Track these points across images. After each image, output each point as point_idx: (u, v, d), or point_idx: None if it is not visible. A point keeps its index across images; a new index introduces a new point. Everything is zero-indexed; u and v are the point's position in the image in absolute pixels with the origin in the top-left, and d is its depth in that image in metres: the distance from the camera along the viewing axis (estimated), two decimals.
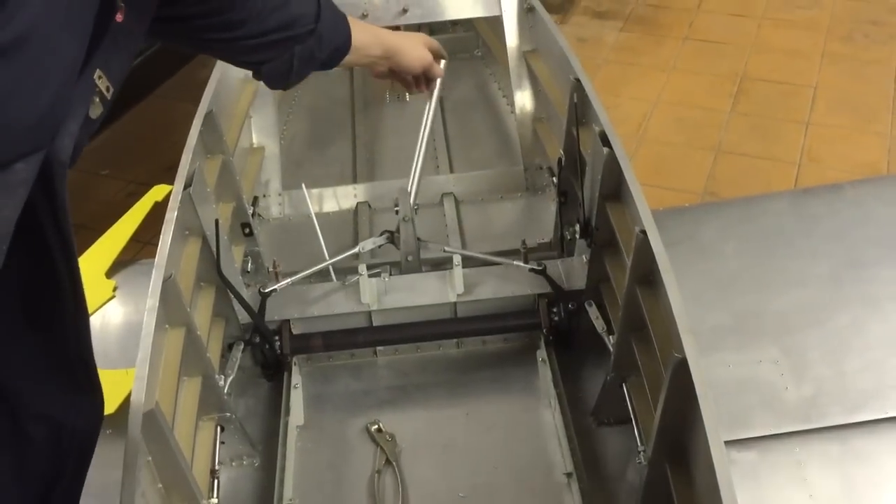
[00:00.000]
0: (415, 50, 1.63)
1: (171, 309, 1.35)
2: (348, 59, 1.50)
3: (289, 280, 1.70)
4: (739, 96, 3.32)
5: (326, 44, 1.41)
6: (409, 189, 1.75)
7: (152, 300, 1.30)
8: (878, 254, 1.67)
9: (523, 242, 1.81)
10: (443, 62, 1.71)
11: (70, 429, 1.14)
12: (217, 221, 1.56)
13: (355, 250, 1.75)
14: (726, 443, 1.43)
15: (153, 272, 1.35)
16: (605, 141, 1.53)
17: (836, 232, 1.73)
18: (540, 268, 1.70)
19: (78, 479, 1.21)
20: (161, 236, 1.42)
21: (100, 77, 0.94)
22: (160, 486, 1.21)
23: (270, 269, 1.80)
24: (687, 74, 3.48)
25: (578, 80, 1.70)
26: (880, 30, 3.62)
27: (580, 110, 1.70)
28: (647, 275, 1.36)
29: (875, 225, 1.74)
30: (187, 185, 1.50)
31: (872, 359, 1.54)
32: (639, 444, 1.41)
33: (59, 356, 1.12)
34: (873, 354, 1.54)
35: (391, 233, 1.79)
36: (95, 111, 0.94)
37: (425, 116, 1.74)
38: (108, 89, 0.96)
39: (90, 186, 3.08)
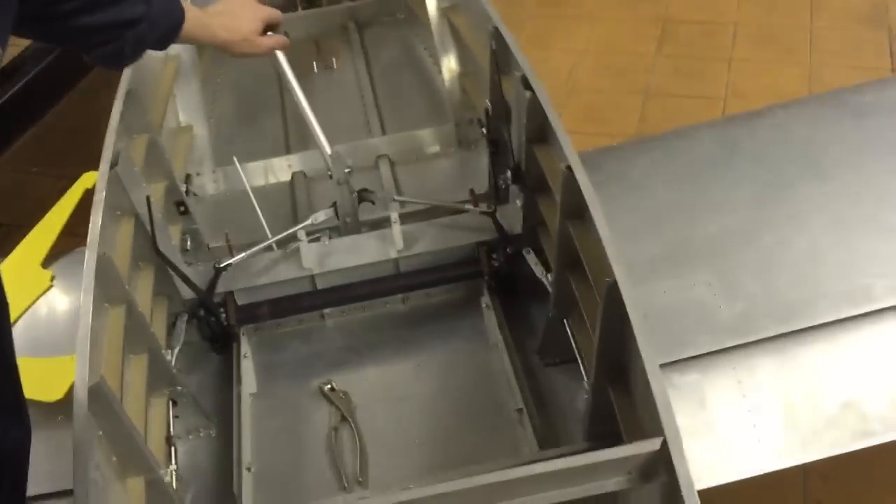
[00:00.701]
0: (246, 46, 1.64)
1: (109, 287, 1.35)
2: (180, 42, 1.53)
3: (244, 254, 1.70)
4: (663, 39, 3.37)
5: (157, 29, 1.42)
6: (326, 151, 1.76)
7: (87, 279, 1.29)
8: (798, 172, 1.73)
9: (471, 191, 1.83)
10: (279, 54, 1.77)
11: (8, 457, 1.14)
12: (148, 199, 1.55)
13: (309, 221, 1.74)
14: (668, 364, 1.51)
15: (86, 252, 1.34)
16: (527, 85, 1.56)
17: (757, 155, 1.78)
18: (490, 210, 1.72)
19: (16, 492, 1.21)
20: (91, 217, 1.41)
21: None
22: (114, 459, 1.22)
23: (224, 244, 1.79)
24: (611, 22, 3.52)
25: (497, 29, 1.71)
26: None
27: (501, 59, 1.72)
28: (576, 210, 1.39)
29: (793, 145, 1.80)
30: (113, 165, 1.49)
31: (800, 272, 1.59)
32: (584, 375, 1.45)
33: None
34: (801, 267, 1.60)
35: (334, 203, 1.80)
36: None
37: (288, 81, 1.82)
38: None
39: (21, 185, 3.03)
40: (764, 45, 3.26)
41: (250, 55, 1.66)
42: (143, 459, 1.26)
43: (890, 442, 1.53)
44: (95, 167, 1.96)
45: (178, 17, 1.46)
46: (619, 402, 1.27)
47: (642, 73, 3.20)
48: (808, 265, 1.60)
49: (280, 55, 1.77)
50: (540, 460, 1.03)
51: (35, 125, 3.32)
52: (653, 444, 1.02)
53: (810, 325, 1.54)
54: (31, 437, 1.21)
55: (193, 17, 1.51)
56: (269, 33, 1.68)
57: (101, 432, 1.19)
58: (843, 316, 1.54)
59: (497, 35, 1.70)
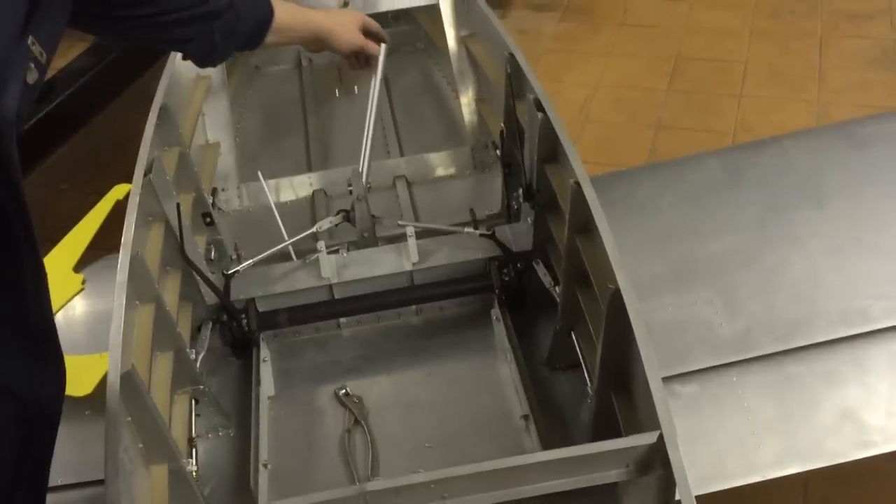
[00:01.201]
0: (345, 34, 1.70)
1: (140, 285, 1.43)
2: (274, 38, 1.57)
3: (251, 261, 1.79)
4: (675, 75, 3.47)
5: (245, 20, 1.47)
6: (360, 169, 1.85)
7: (121, 276, 1.37)
8: (798, 197, 1.80)
9: (471, 211, 1.91)
10: (383, 46, 1.81)
11: (34, 402, 1.19)
12: (178, 206, 1.64)
13: (313, 230, 1.84)
14: (669, 378, 1.57)
15: (120, 251, 1.43)
16: (540, 107, 1.64)
17: (760, 181, 1.86)
18: (489, 233, 1.80)
19: (45, 454, 1.25)
20: (126, 219, 1.50)
21: (34, 44, 1.03)
22: (140, 445, 1.29)
23: (233, 255, 1.88)
24: (624, 58, 3.62)
25: (512, 55, 1.81)
26: (804, 5, 3.80)
27: (515, 83, 1.81)
28: (584, 224, 1.46)
29: (795, 172, 1.87)
30: (147, 173, 1.58)
31: (798, 292, 1.66)
32: (588, 382, 1.51)
33: (20, 326, 1.17)
34: (799, 288, 1.67)
35: (347, 211, 1.88)
36: (32, 76, 1.01)
37: (371, 95, 1.83)
38: (41, 55, 1.04)
39: (50, 201, 3.13)
40: (773, 82, 3.34)
41: (346, 46, 1.69)
42: (168, 448, 1.33)
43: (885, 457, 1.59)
44: (122, 183, 2.09)
45: (266, 9, 1.51)
46: (620, 406, 1.33)
47: (654, 107, 3.29)
48: (806, 286, 1.67)
49: (380, 71, 1.82)
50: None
51: (66, 143, 3.43)
52: (650, 438, 1.08)
53: (808, 343, 1.60)
54: (63, 394, 1.26)
55: (288, 8, 1.56)
56: None
57: (129, 418, 1.26)
58: (840, 335, 1.60)
59: (512, 60, 1.79)
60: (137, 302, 1.44)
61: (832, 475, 1.94)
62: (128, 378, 1.23)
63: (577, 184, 1.45)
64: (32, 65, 1.01)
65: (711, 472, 1.50)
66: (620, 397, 1.34)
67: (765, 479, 1.51)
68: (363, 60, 1.78)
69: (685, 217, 1.82)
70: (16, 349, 1.15)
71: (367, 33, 1.76)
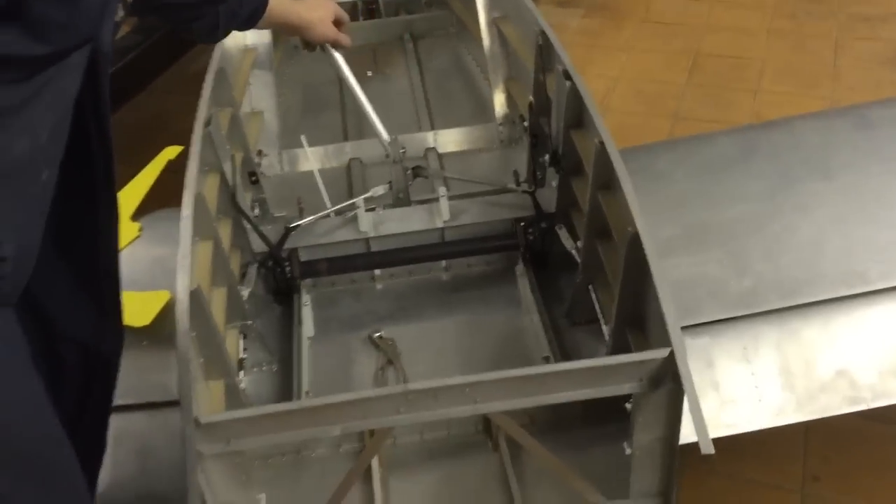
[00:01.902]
0: (321, 26, 1.93)
1: (201, 222, 1.57)
2: (264, 24, 1.81)
3: (311, 217, 1.93)
4: (694, 70, 3.60)
5: (246, 4, 1.69)
6: (381, 135, 1.99)
7: (186, 210, 1.52)
8: (807, 171, 1.92)
9: (515, 172, 2.04)
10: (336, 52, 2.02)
11: (95, 352, 1.31)
12: (233, 156, 1.78)
13: (369, 194, 1.97)
14: (683, 328, 1.69)
15: (184, 192, 1.57)
16: (568, 76, 1.78)
17: (771, 155, 1.98)
18: (531, 189, 1.94)
19: (105, 398, 1.37)
20: (188, 164, 1.64)
21: None
22: (202, 360, 1.43)
23: (296, 207, 2.01)
24: (645, 53, 3.75)
25: (543, 31, 1.94)
26: (821, 7, 3.92)
27: (546, 58, 1.95)
28: (607, 180, 1.60)
29: (805, 149, 1.99)
30: (206, 125, 1.73)
31: (804, 255, 1.78)
32: (605, 333, 1.64)
33: (90, 273, 1.26)
34: (804, 251, 1.79)
35: (390, 182, 2.02)
36: (119, 14, 1.13)
37: (344, 75, 2.06)
38: None
39: None
40: (789, 79, 3.47)
41: (320, 38, 1.95)
42: (224, 364, 1.48)
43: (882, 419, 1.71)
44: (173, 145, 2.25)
45: None
46: (635, 341, 1.46)
47: (672, 99, 3.42)
48: (810, 250, 1.79)
49: (338, 56, 2.03)
50: None
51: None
52: (661, 353, 1.21)
53: (810, 301, 1.72)
54: (122, 349, 1.38)
55: (278, 1, 1.80)
56: None
57: (194, 333, 1.40)
58: (840, 294, 1.72)
59: (543, 36, 1.93)
60: (198, 237, 1.58)
61: (832, 435, 2.08)
62: (195, 296, 1.37)
63: (602, 143, 1.58)
64: (120, 4, 1.16)
65: (716, 419, 1.62)
66: (635, 335, 1.48)
67: (764, 427, 1.63)
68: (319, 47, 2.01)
69: (700, 187, 1.95)
70: (83, 298, 1.28)
71: (338, 24, 1.98)
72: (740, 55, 3.66)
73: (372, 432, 1.50)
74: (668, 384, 1.23)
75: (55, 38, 0.97)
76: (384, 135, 2.01)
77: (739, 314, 1.72)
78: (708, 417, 1.59)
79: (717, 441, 1.99)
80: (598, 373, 1.22)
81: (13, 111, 0.97)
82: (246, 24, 1.76)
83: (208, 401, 1.42)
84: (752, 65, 3.59)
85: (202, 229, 1.58)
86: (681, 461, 2.05)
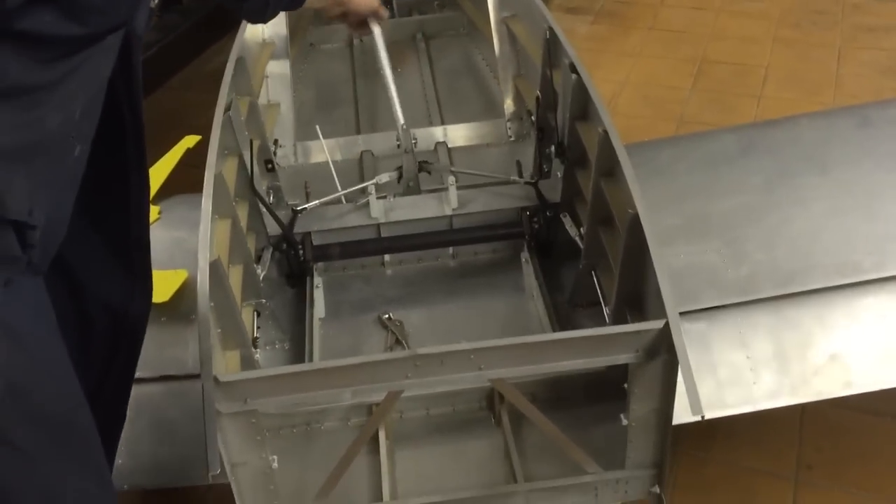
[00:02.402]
0: None
1: (221, 201, 1.64)
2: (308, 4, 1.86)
3: (317, 201, 2.00)
4: (699, 76, 3.66)
5: None
6: (400, 124, 2.06)
7: (207, 188, 1.59)
8: (804, 166, 1.99)
9: (518, 162, 2.11)
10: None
11: (124, 314, 1.38)
12: (251, 141, 1.86)
13: (374, 181, 2.04)
14: (680, 314, 1.75)
15: (205, 173, 1.64)
16: (574, 70, 1.85)
17: (770, 151, 2.05)
18: (533, 180, 2.01)
19: (131, 358, 1.44)
20: (209, 147, 1.71)
21: None
22: (219, 330, 1.50)
23: (303, 189, 2.08)
24: (652, 59, 3.82)
25: (551, 28, 2.02)
26: (826, 18, 3.99)
27: (553, 53, 2.02)
28: (609, 167, 1.67)
29: (803, 145, 2.06)
30: (226, 110, 1.80)
31: (799, 245, 1.84)
32: (606, 315, 1.71)
33: (121, 241, 1.33)
34: (800, 242, 1.85)
35: (399, 168, 2.09)
36: (153, 1, 1.20)
37: (381, 59, 2.13)
38: None
39: None
40: (792, 86, 3.53)
41: (364, 8, 2.03)
42: (241, 336, 1.54)
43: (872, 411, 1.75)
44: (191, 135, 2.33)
45: None
46: (633, 319, 1.53)
47: (677, 104, 3.49)
48: (806, 241, 1.85)
49: (377, 32, 2.11)
50: None
51: None
52: (657, 325, 1.28)
53: (805, 289, 1.78)
54: (149, 309, 1.46)
55: None
56: None
57: (212, 303, 1.46)
58: (833, 284, 1.78)
59: (551, 32, 2.00)
60: (217, 216, 1.65)
61: (826, 426, 2.13)
62: (214, 267, 1.44)
63: (605, 132, 1.65)
64: None
65: (712, 401, 1.67)
66: (634, 314, 1.54)
67: (758, 409, 1.69)
68: (361, 25, 2.09)
69: (700, 180, 2.01)
70: (114, 264, 1.35)
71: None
72: (745, 62, 3.73)
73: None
74: (663, 355, 1.29)
75: (92, 20, 1.03)
76: (401, 118, 2.08)
77: (736, 301, 1.78)
78: (704, 399, 1.65)
79: (714, 429, 2.07)
80: (597, 342, 1.29)
81: (49, 88, 1.02)
82: (293, 4, 1.83)
83: (225, 369, 1.49)
84: (756, 72, 3.65)
85: (221, 208, 1.66)
86: (678, 448, 2.12)
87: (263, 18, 1.82)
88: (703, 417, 1.23)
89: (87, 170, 1.17)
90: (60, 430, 1.15)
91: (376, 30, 2.09)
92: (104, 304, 1.36)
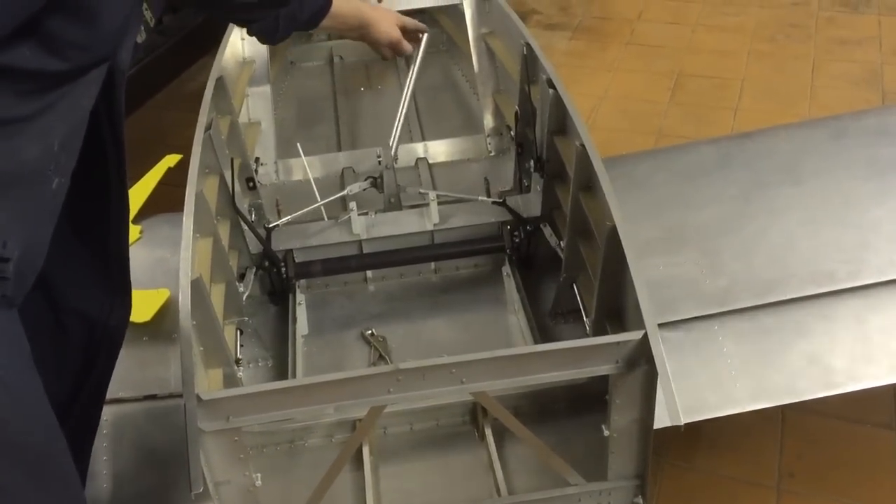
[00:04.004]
0: (385, 26, 1.95)
1: (202, 219, 1.65)
2: (327, 23, 1.82)
3: (288, 217, 2.01)
4: (676, 90, 3.71)
5: (307, 7, 1.72)
6: (391, 143, 2.08)
7: (189, 207, 1.60)
8: (779, 178, 2.01)
9: (485, 180, 2.13)
10: (425, 35, 2.05)
11: (102, 325, 1.36)
12: (232, 160, 1.87)
13: (345, 191, 2.06)
14: (658, 325, 1.77)
15: (187, 188, 1.65)
16: (551, 85, 1.87)
17: (745, 163, 2.07)
18: (500, 200, 2.03)
19: (106, 371, 1.41)
20: (190, 166, 1.72)
21: (146, 8, 1.23)
22: (202, 348, 1.50)
23: (274, 213, 2.10)
24: (629, 73, 3.87)
25: (528, 44, 2.04)
26: (800, 31, 4.05)
27: (531, 69, 2.05)
28: (587, 180, 1.69)
29: (778, 156, 2.09)
30: (207, 129, 1.81)
31: (775, 255, 1.86)
32: (587, 327, 1.72)
33: (100, 255, 1.32)
34: (776, 251, 1.87)
35: (375, 178, 2.11)
36: (140, 37, 1.19)
37: (409, 75, 2.08)
38: (150, 19, 1.26)
39: None
40: (768, 98, 3.58)
41: (384, 37, 1.95)
42: (223, 354, 1.55)
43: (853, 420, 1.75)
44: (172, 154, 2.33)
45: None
46: (613, 331, 1.54)
47: (655, 117, 3.53)
48: (782, 251, 1.87)
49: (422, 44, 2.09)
50: None
51: None
52: (636, 335, 1.29)
53: (782, 299, 1.80)
54: (128, 321, 1.42)
55: (341, 1, 1.81)
56: None
57: (194, 322, 1.47)
58: (810, 293, 1.80)
59: (528, 48, 2.02)
60: (199, 235, 1.66)
61: (807, 433, 2.16)
62: (196, 285, 1.45)
63: (582, 145, 1.67)
64: (142, 27, 1.21)
65: (694, 405, 1.67)
66: (613, 326, 1.56)
67: (740, 411, 1.70)
68: (394, 52, 2.03)
69: (677, 192, 2.03)
70: (93, 276, 1.35)
71: (404, 31, 2.02)
72: (721, 76, 3.77)
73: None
74: (643, 366, 1.31)
75: (73, 56, 1.02)
76: (396, 138, 2.10)
77: (715, 312, 1.80)
78: (685, 404, 1.67)
79: (696, 439, 2.08)
80: (577, 354, 1.30)
81: (27, 120, 1.01)
82: (307, 25, 1.80)
83: (207, 387, 1.49)
84: (733, 85, 3.70)
85: (203, 227, 1.66)
86: (661, 458, 2.13)
87: (273, 39, 1.78)
88: (682, 427, 1.24)
89: (72, 186, 1.15)
90: (36, 464, 1.13)
91: (419, 52, 2.09)
92: (82, 315, 1.35)
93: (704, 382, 1.71)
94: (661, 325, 1.78)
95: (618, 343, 1.29)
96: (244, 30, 2.41)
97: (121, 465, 1.65)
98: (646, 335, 1.29)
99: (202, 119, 1.82)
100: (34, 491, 1.12)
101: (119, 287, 1.39)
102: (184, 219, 1.58)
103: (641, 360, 1.30)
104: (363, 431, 1.39)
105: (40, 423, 1.14)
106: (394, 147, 2.08)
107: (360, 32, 1.95)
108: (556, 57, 4.04)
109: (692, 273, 1.87)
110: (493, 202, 2.04)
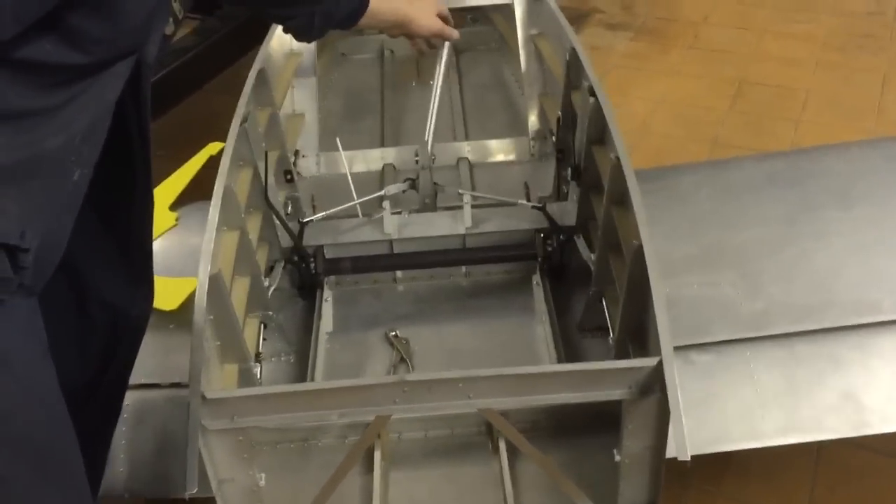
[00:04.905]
0: (425, 20, 1.88)
1: (229, 213, 1.65)
2: (365, 22, 1.77)
3: (322, 213, 2.01)
4: (737, 98, 3.60)
5: (344, 5, 1.68)
6: (426, 139, 2.05)
7: (216, 199, 1.60)
8: (829, 199, 1.93)
9: (525, 184, 2.09)
10: (446, 45, 1.99)
11: (125, 315, 1.36)
12: (266, 154, 1.87)
13: (381, 192, 2.05)
14: (687, 346, 1.72)
15: (216, 182, 1.65)
16: (593, 93, 1.83)
17: (793, 182, 1.99)
18: (540, 205, 1.99)
19: (128, 361, 1.42)
20: (222, 158, 1.73)
21: (175, 0, 1.21)
22: (218, 343, 1.50)
23: (308, 209, 2.09)
24: (690, 78, 3.77)
25: (573, 48, 1.99)
26: (873, 42, 3.89)
27: (574, 74, 2.00)
28: (620, 195, 1.64)
29: (829, 177, 2.00)
30: (243, 122, 1.82)
31: (817, 281, 1.79)
32: (610, 348, 1.68)
33: (124, 246, 1.33)
34: (818, 277, 1.79)
35: (412, 180, 2.09)
36: (169, 29, 1.19)
37: (437, 74, 2.03)
38: (179, 11, 1.24)
39: None
40: (832, 111, 3.45)
41: (425, 31, 1.89)
42: (240, 350, 1.55)
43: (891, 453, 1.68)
44: (216, 141, 2.33)
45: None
46: (635, 355, 1.50)
47: (713, 125, 3.43)
48: (825, 276, 1.80)
49: (445, 53, 2.02)
50: None
51: (159, 118, 3.75)
52: (650, 362, 1.25)
53: (820, 327, 1.73)
54: (150, 313, 1.43)
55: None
56: None
57: (211, 316, 1.47)
58: (850, 323, 1.73)
59: (573, 53, 1.98)
60: (225, 227, 1.66)
61: (841, 466, 2.08)
62: (214, 280, 1.45)
63: (617, 158, 1.62)
64: (171, 19, 1.19)
65: (719, 435, 1.63)
66: (636, 347, 1.51)
67: (765, 445, 1.64)
68: (433, 44, 1.98)
69: (719, 208, 1.97)
70: (117, 266, 1.35)
71: (444, 19, 1.95)
72: (786, 85, 3.65)
73: None
74: (657, 393, 1.26)
75: (94, 50, 1.02)
76: (430, 136, 2.07)
77: (748, 336, 1.74)
78: (709, 433, 1.62)
79: (725, 464, 2.02)
80: (588, 376, 1.26)
81: (49, 113, 1.01)
82: (344, 24, 1.74)
83: (221, 382, 1.50)
84: (797, 95, 3.58)
85: (230, 220, 1.66)
86: (687, 481, 2.07)
87: (308, 37, 1.76)
88: (688, 463, 1.20)
89: (93, 175, 1.15)
90: (41, 456, 1.14)
91: (444, 50, 2.01)
92: (106, 304, 1.35)
93: (731, 411, 1.65)
94: (691, 347, 1.73)
95: (631, 368, 1.25)
96: None
97: (140, 452, 1.66)
98: (660, 362, 1.24)
99: (239, 111, 1.83)
100: (36, 486, 1.12)
101: (142, 279, 1.40)
102: (210, 212, 1.58)
103: (656, 388, 1.26)
104: (367, 440, 1.37)
105: (48, 416, 1.15)
106: (429, 148, 2.06)
107: (402, 30, 1.91)
108: (614, 58, 3.96)
109: (728, 294, 1.81)
110: (533, 207, 1.99)
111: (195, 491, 1.17)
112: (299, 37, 1.76)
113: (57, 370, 1.16)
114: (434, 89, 2.06)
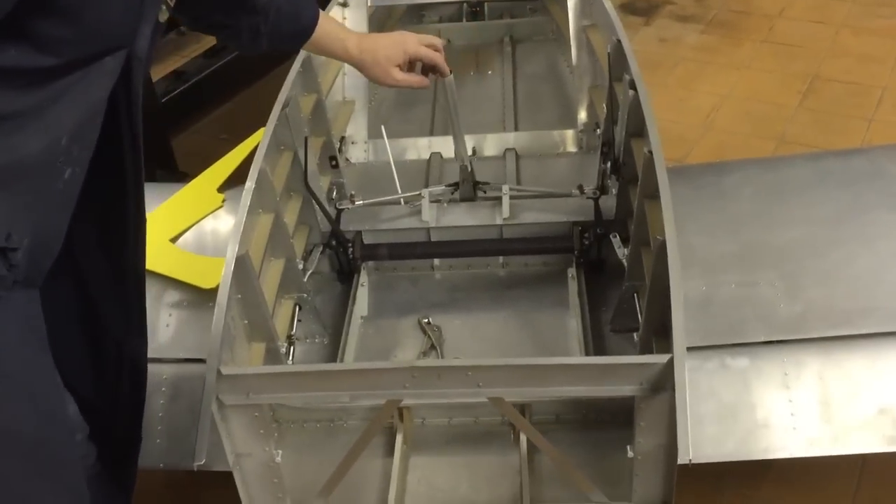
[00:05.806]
0: (377, 70, 1.62)
1: (263, 196, 1.69)
2: (313, 49, 1.62)
3: (361, 202, 2.04)
4: (808, 94, 3.49)
5: (276, 26, 1.47)
6: (455, 149, 2.05)
7: (249, 183, 1.64)
8: (880, 201, 1.86)
9: (580, 187, 2.06)
10: (450, 78, 1.81)
11: (124, 348, 1.30)
12: (306, 139, 1.90)
13: (419, 192, 2.05)
14: (721, 346, 1.68)
15: (251, 167, 1.70)
16: (633, 86, 1.80)
17: (843, 182, 1.93)
18: (594, 196, 1.97)
19: (136, 394, 1.36)
20: (260, 143, 1.77)
21: None
22: (246, 322, 1.55)
23: (348, 196, 2.12)
24: (760, 73, 3.66)
25: (618, 41, 1.97)
26: None
27: (617, 68, 1.97)
28: (653, 189, 1.62)
29: (882, 178, 1.92)
30: (284, 107, 1.85)
31: (859, 285, 1.72)
32: (636, 344, 1.66)
33: (119, 266, 1.25)
34: (861, 282, 1.73)
35: (456, 184, 2.09)
36: (163, 16, 1.13)
37: (450, 106, 1.95)
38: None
39: (211, 147, 3.51)
40: None
41: (380, 82, 1.67)
42: (268, 331, 1.59)
43: None
44: None
45: (308, 22, 1.53)
46: (658, 350, 1.48)
47: (780, 122, 3.33)
48: (867, 281, 1.73)
49: (449, 83, 1.86)
50: None
51: (229, 101, 3.86)
52: (661, 359, 1.23)
53: (859, 333, 1.67)
54: (147, 348, 1.36)
55: (330, 30, 1.57)
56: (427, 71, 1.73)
57: (239, 295, 1.51)
58: (891, 330, 1.66)
59: (616, 45, 1.95)
60: (260, 210, 1.70)
61: (888, 476, 2.00)
62: (241, 261, 1.49)
63: (650, 152, 1.60)
64: (164, 7, 1.13)
65: (747, 443, 1.59)
66: (660, 342, 1.49)
67: (791, 456, 1.59)
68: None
69: (763, 207, 1.91)
70: (114, 296, 1.26)
71: (433, 49, 1.72)
72: (861, 82, 3.52)
73: (401, 410, 1.58)
74: (668, 391, 1.25)
75: (63, 50, 1.00)
76: (465, 154, 2.05)
77: (784, 338, 1.69)
78: (739, 440, 1.57)
79: (765, 468, 1.96)
80: (599, 371, 1.25)
81: (29, 113, 1.00)
82: (274, 45, 1.53)
83: (248, 360, 1.54)
84: (872, 93, 3.44)
85: (265, 203, 1.71)
86: (723, 483, 2.03)
87: (248, 52, 1.56)
88: (690, 462, 1.18)
89: (85, 183, 1.13)
90: (31, 449, 1.13)
91: (448, 80, 1.82)
92: (116, 341, 1.31)
93: (762, 418, 1.61)
94: (724, 347, 1.70)
95: (642, 364, 1.24)
96: (344, 8, 2.46)
97: (176, 425, 1.71)
98: (671, 360, 1.22)
99: (281, 97, 1.87)
100: (25, 478, 1.12)
101: (136, 318, 1.33)
102: (242, 195, 1.62)
103: (668, 385, 1.24)
104: (378, 423, 1.39)
105: (40, 409, 1.13)
106: (463, 151, 2.04)
107: (355, 66, 1.66)
108: (683, 51, 3.88)
109: (766, 295, 1.76)
110: (587, 197, 1.98)
111: (202, 462, 1.21)
112: (239, 49, 1.57)
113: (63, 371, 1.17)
114: (451, 116, 1.97)
